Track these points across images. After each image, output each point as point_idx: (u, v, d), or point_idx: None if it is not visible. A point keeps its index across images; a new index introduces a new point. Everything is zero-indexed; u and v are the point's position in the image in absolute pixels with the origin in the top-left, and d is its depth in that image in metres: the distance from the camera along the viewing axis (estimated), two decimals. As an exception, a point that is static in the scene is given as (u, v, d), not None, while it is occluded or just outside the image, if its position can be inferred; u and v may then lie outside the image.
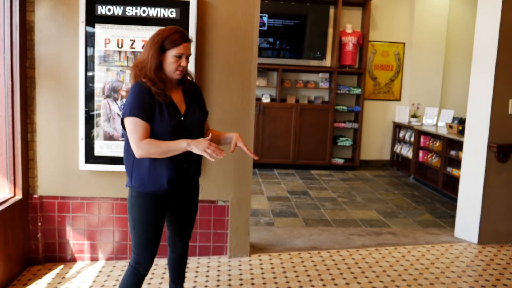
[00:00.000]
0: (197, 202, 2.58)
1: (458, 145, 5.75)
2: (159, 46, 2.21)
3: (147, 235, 2.35)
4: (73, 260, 3.56)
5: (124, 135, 2.32)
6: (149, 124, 2.21)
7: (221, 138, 2.48)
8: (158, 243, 2.41)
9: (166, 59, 2.23)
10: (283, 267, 3.52)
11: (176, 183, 2.31)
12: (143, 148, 2.17)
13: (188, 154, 2.26)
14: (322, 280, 3.32)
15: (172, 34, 2.22)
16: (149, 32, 3.29)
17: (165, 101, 2.24)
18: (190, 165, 2.35)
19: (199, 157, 2.37)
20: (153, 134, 2.23)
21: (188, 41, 2.26)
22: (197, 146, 2.15)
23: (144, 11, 3.30)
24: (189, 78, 2.42)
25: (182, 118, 2.30)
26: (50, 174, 3.44)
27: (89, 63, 3.32)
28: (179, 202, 2.47)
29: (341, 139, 7.71)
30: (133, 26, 3.31)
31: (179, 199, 2.45)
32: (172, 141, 2.20)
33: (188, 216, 2.55)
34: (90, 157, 3.38)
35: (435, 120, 7.22)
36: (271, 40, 7.40)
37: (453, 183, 5.94)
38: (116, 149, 3.37)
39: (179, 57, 2.23)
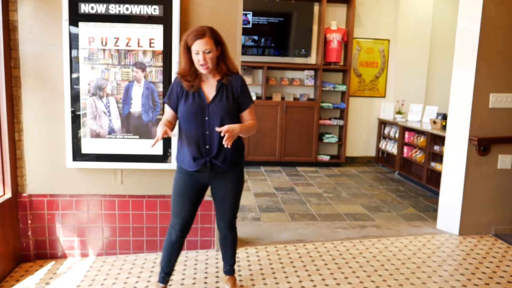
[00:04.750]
0: (234, 188, 2.78)
1: (442, 140, 5.86)
2: (185, 46, 2.57)
3: (177, 204, 2.75)
4: (64, 256, 3.61)
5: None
6: (174, 110, 2.67)
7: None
8: (189, 215, 2.77)
9: (192, 56, 2.57)
10: (269, 259, 3.60)
11: (199, 161, 2.63)
12: None
13: (208, 137, 2.61)
14: (307, 270, 3.40)
15: (189, 34, 2.54)
16: (132, 29, 3.34)
17: (193, 90, 2.62)
18: (211, 146, 2.63)
19: (220, 140, 2.59)
20: (180, 115, 2.65)
21: (200, 38, 2.51)
22: (158, 128, 2.48)
23: (127, 9, 3.33)
24: (234, 70, 2.70)
25: (207, 104, 2.61)
26: (39, 172, 3.48)
27: (73, 62, 3.34)
28: (217, 186, 2.76)
29: (327, 136, 7.80)
30: (116, 24, 3.34)
31: (217, 183, 2.74)
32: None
33: (224, 200, 2.79)
34: (78, 155, 3.42)
35: (420, 116, 7.33)
36: (255, 37, 7.46)
37: (436, 178, 6.05)
38: (103, 146, 3.42)
39: (196, 54, 2.53)
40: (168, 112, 2.69)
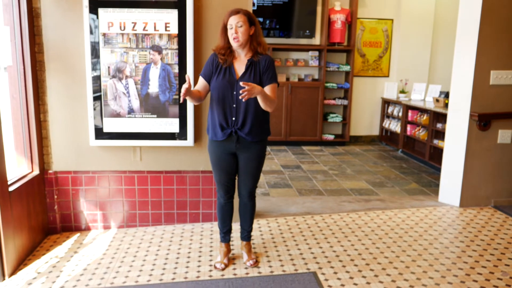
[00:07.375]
0: (257, 161, 3.05)
1: (445, 118, 6.01)
2: (223, 26, 2.90)
3: (215, 174, 3.12)
4: (88, 229, 3.86)
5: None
6: (207, 81, 2.96)
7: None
8: (227, 181, 3.11)
9: (228, 33, 2.89)
10: (280, 229, 3.84)
11: (226, 131, 2.92)
12: None
13: (234, 109, 2.89)
14: (316, 239, 3.64)
15: (226, 14, 2.88)
16: (149, 14, 3.52)
17: (226, 65, 2.92)
18: (237, 118, 2.91)
19: (246, 114, 2.89)
20: (212, 88, 2.94)
21: (234, 14, 2.84)
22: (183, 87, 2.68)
23: (144, -5, 3.51)
24: (264, 52, 2.94)
25: (236, 79, 2.90)
26: (63, 150, 3.71)
27: (94, 46, 3.54)
28: (242, 157, 3.02)
29: (331, 115, 7.97)
30: (133, 9, 3.53)
31: (242, 154, 3.00)
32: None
33: (247, 171, 3.06)
34: (99, 134, 3.64)
35: (423, 95, 7.45)
36: (260, 19, 7.59)
37: (439, 155, 6.21)
38: (123, 125, 3.63)
39: (230, 28, 2.85)
40: (200, 82, 2.98)
